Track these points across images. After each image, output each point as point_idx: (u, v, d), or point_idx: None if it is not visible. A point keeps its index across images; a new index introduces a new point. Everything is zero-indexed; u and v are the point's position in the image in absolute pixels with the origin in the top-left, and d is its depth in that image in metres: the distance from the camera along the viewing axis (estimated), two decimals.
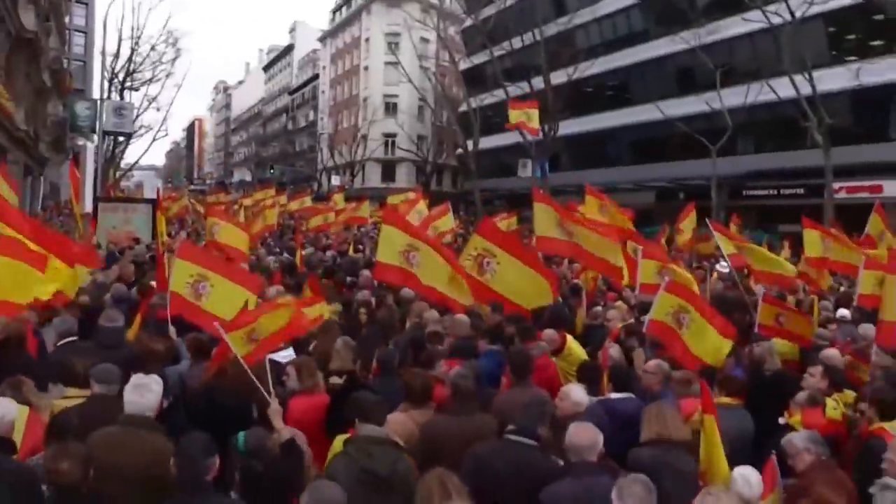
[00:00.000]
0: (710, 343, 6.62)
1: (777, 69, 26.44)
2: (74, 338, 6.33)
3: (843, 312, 9.02)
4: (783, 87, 26.34)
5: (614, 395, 5.38)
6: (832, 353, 6.78)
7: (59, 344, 6.24)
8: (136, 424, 4.07)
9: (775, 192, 31.50)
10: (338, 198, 23.57)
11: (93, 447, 3.87)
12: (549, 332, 6.94)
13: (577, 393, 5.04)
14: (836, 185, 26.22)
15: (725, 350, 6.70)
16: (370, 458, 4.04)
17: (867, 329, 7.91)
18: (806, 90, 25.37)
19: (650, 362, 5.97)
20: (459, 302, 7.67)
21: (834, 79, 26.42)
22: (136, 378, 4.32)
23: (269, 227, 17.94)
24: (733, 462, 4.37)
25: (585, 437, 4.07)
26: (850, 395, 6.10)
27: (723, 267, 12.52)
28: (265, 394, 4.67)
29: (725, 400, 5.48)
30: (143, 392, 4.19)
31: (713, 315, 6.87)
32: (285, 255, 15.40)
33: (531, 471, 4.17)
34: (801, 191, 29.67)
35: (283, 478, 4.09)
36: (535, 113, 14.32)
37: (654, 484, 4.06)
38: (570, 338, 6.97)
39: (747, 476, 4.08)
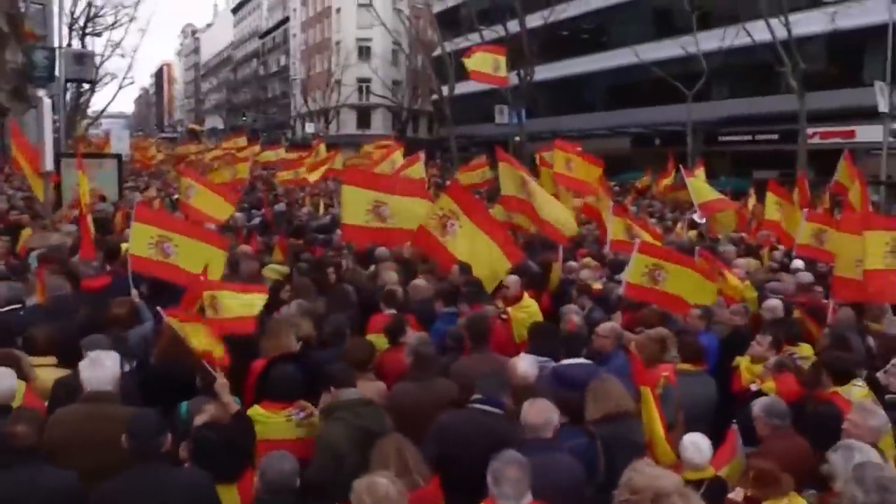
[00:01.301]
0: (697, 286, 6.73)
1: (754, 12, 26.11)
2: (20, 304, 6.26)
3: (798, 263, 9.03)
4: (759, 31, 26.06)
5: (565, 361, 5.34)
6: (774, 304, 6.82)
7: (3, 310, 6.09)
8: (97, 400, 4.14)
9: (750, 137, 31.47)
10: (320, 149, 23.06)
11: (59, 423, 4.04)
12: (512, 278, 7.12)
13: (522, 366, 4.99)
14: (810, 131, 26.20)
15: (713, 292, 6.82)
16: (361, 417, 4.27)
17: (805, 277, 8.13)
18: (782, 34, 25.12)
19: (604, 324, 5.95)
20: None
21: (810, 23, 26.15)
22: (92, 354, 4.36)
23: (241, 181, 17.55)
24: (696, 430, 4.39)
25: (539, 414, 4.05)
26: (806, 348, 6.12)
27: (699, 217, 12.53)
28: (210, 370, 4.58)
29: (685, 366, 5.44)
30: (96, 367, 4.22)
31: (693, 264, 6.94)
32: (254, 211, 15.16)
33: (499, 439, 4.13)
34: (776, 136, 29.64)
35: (238, 448, 4.14)
36: (502, 60, 13.22)
37: (608, 458, 4.08)
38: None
39: (697, 443, 4.11)
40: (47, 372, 4.88)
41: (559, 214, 8.75)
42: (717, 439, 4.44)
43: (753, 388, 5.36)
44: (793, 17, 24.94)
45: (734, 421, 4.52)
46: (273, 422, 4.49)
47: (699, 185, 10.73)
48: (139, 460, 3.61)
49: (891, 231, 6.80)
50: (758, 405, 4.51)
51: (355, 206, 7.69)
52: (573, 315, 6.33)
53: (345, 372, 4.63)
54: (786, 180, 15.24)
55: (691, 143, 29.73)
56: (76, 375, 4.56)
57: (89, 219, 8.49)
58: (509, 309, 6.77)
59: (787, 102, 26.48)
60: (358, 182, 8.00)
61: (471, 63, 13.38)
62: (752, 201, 16.73)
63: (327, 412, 4.42)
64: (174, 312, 4.96)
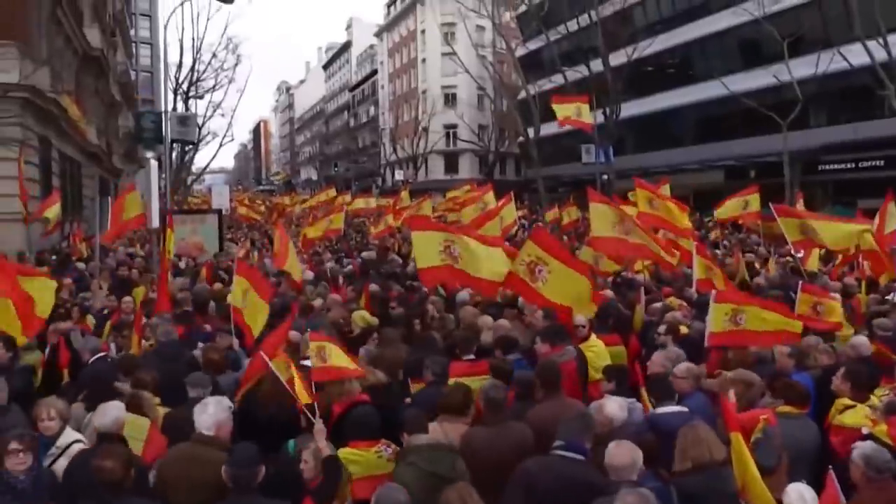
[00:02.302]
0: (779, 324, 6.60)
1: (849, 35, 25.12)
2: (105, 353, 6.81)
3: None
4: (856, 55, 25.01)
5: (660, 410, 5.22)
6: (859, 341, 6.51)
7: (92, 360, 6.62)
8: (200, 442, 4.45)
9: (853, 165, 29.99)
10: (404, 195, 23.64)
11: (167, 461, 4.45)
12: (581, 318, 7.10)
13: (611, 407, 4.89)
14: None
15: (798, 327, 6.65)
16: (432, 462, 4.37)
17: None
18: (881, 55, 24.03)
19: (680, 366, 5.80)
20: (495, 283, 7.76)
21: None
22: (205, 399, 4.75)
23: (336, 231, 18.11)
24: (799, 476, 4.17)
25: (624, 456, 4.02)
26: None
27: (795, 251, 11.99)
28: (309, 415, 4.83)
29: (786, 409, 5.17)
30: (200, 412, 4.54)
31: (774, 306, 6.81)
32: (346, 259, 15.54)
33: (580, 486, 4.13)
34: (881, 163, 28.17)
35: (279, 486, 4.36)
36: (585, 107, 13.66)
37: None
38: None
39: (802, 493, 3.87)
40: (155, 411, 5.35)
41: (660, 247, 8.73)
42: (821, 485, 4.20)
43: (865, 431, 5.03)
44: (892, 38, 23.85)
45: (830, 466, 4.24)
46: (366, 459, 4.71)
47: (788, 224, 10.34)
48: (236, 489, 3.85)
49: None
50: (858, 451, 4.22)
51: (427, 249, 7.85)
52: (653, 363, 6.14)
53: (417, 418, 4.71)
54: None
55: (788, 173, 28.59)
56: (176, 413, 4.99)
57: (169, 275, 9.04)
58: (580, 347, 6.78)
59: (892, 126, 25.18)
60: (426, 227, 8.24)
61: (558, 111, 13.98)
62: None
63: (400, 457, 4.55)
64: (277, 354, 5.28)
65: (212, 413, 4.49)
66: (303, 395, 4.99)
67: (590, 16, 37.15)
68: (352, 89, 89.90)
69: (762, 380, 5.62)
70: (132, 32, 49.32)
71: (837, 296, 8.36)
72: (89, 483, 4.02)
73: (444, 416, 5.08)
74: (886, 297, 8.95)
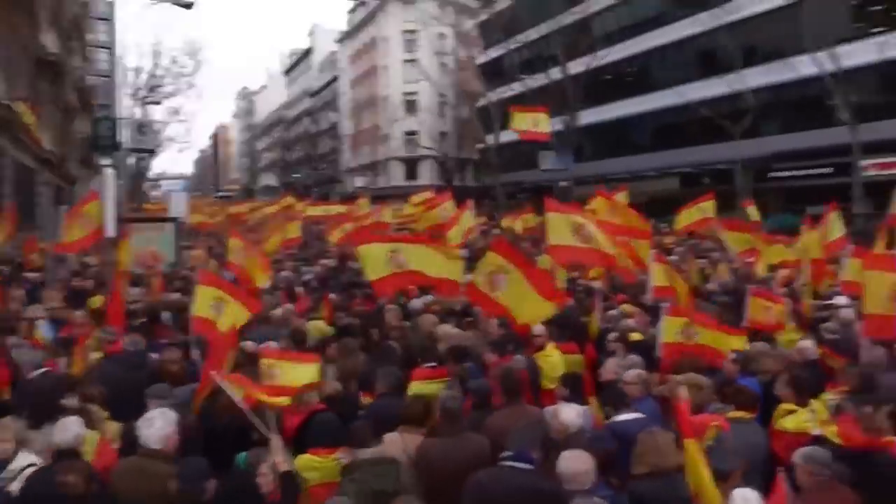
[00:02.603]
0: (724, 340, 6.78)
1: (800, 47, 25.86)
2: (49, 368, 6.49)
3: (841, 300, 8.77)
4: (807, 66, 25.76)
5: (621, 417, 5.30)
6: (804, 346, 6.75)
7: (34, 375, 6.27)
8: (148, 456, 4.44)
9: (803, 172, 30.87)
10: (363, 203, 23.51)
11: (118, 474, 4.42)
12: (539, 328, 7.14)
13: (566, 413, 4.92)
14: (866, 163, 25.59)
15: (742, 340, 6.84)
16: (376, 478, 4.34)
17: (846, 314, 7.96)
18: (830, 66, 24.79)
19: (629, 372, 5.91)
20: (454, 281, 7.98)
21: (858, 53, 25.76)
22: (149, 413, 4.69)
23: (294, 240, 17.95)
24: (750, 480, 4.27)
25: (578, 465, 4.05)
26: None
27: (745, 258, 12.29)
28: (265, 430, 4.74)
29: (737, 414, 5.28)
30: (147, 427, 4.52)
31: (714, 324, 6.98)
32: (305, 268, 15.43)
33: (529, 495, 4.15)
34: (830, 170, 28.98)
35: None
36: (543, 116, 13.75)
37: None
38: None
39: (747, 497, 3.95)
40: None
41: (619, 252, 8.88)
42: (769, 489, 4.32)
43: (815, 432, 5.12)
44: (840, 49, 24.62)
45: (778, 469, 4.36)
46: (325, 466, 4.69)
47: (733, 238, 10.66)
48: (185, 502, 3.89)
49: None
50: (798, 454, 4.37)
51: (374, 261, 7.92)
52: (606, 370, 6.27)
53: (360, 431, 4.75)
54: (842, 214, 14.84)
55: (740, 180, 29.25)
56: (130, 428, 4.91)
57: (124, 286, 8.91)
58: (535, 356, 6.82)
59: (841, 135, 25.95)
60: (370, 239, 8.42)
61: (515, 121, 14.11)
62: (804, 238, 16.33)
63: (344, 473, 4.50)
64: (223, 373, 5.19)
65: (159, 427, 4.47)
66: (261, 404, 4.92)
67: (550, 25, 37.65)
68: (312, 95, 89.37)
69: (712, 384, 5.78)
70: (90, 37, 48.40)
71: (785, 299, 8.63)
72: (49, 499, 4.01)
73: (404, 427, 5.07)
74: (828, 302, 9.23)
